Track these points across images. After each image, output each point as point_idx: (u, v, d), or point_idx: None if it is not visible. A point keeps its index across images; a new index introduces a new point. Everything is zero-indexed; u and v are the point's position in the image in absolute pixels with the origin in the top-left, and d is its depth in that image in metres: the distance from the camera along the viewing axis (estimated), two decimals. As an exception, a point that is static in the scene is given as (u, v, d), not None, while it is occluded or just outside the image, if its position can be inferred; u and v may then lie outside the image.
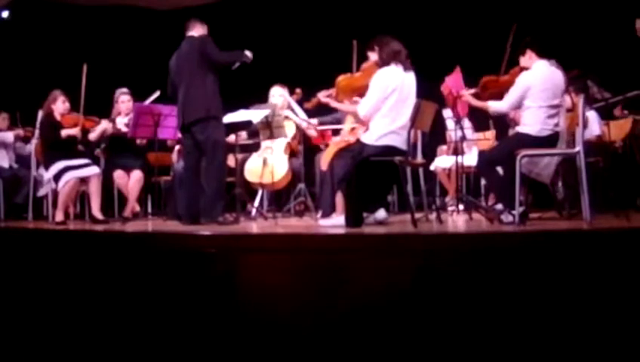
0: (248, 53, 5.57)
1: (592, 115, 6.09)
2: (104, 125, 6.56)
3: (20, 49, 8.69)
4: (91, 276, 4.52)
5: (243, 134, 6.94)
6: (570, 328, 3.26)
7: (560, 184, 5.49)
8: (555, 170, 4.94)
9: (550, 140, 4.65)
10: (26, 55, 8.72)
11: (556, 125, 4.67)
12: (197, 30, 5.67)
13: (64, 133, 6.26)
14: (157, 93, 6.60)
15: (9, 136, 7.56)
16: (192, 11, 8.53)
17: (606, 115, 6.25)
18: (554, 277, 3.34)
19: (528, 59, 4.86)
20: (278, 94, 6.90)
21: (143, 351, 4.12)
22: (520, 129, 4.78)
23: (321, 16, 8.66)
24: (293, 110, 6.77)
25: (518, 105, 4.83)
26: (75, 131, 6.28)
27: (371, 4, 8.35)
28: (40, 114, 6.57)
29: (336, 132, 6.80)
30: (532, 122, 4.68)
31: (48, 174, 6.27)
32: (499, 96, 4.96)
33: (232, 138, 6.50)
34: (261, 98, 6.86)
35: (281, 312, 3.79)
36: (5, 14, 8.43)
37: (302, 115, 6.70)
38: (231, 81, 5.71)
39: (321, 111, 6.31)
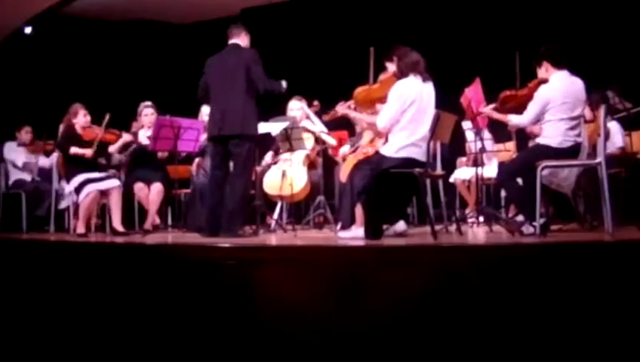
0: (284, 84, 5.56)
1: (614, 126, 6.00)
2: (125, 138, 6.60)
3: (43, 63, 8.80)
4: (112, 287, 4.54)
5: (269, 155, 6.99)
6: (592, 340, 3.22)
7: (581, 195, 5.44)
8: (576, 181, 4.90)
9: (571, 151, 4.61)
10: (48, 69, 8.82)
11: (577, 136, 4.64)
12: (242, 38, 5.62)
13: (72, 151, 6.29)
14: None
15: (19, 160, 7.63)
16: (211, 25, 8.64)
17: (629, 125, 6.16)
18: (576, 289, 3.31)
19: (545, 71, 4.82)
20: (297, 108, 6.92)
21: (162, 360, 4.12)
22: (541, 140, 4.74)
23: (338, 29, 8.69)
24: (311, 122, 6.79)
25: (538, 119, 4.79)
26: (84, 151, 6.30)
27: (389, 15, 8.35)
28: (61, 127, 6.64)
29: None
30: (553, 134, 4.65)
31: (69, 187, 6.32)
32: (519, 110, 4.93)
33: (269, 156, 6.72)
34: (279, 111, 6.87)
35: (299, 324, 3.78)
36: (28, 30, 8.53)
37: (321, 126, 6.71)
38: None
39: (339, 123, 6.32)
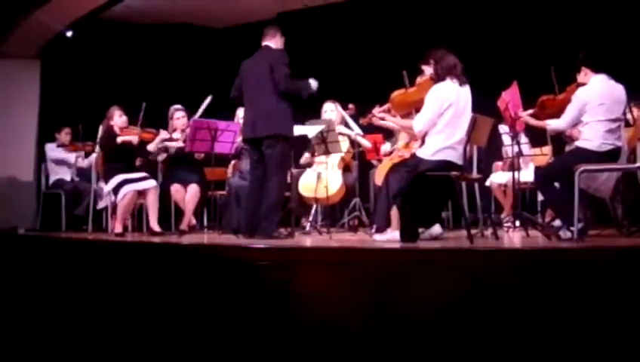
0: (313, 83, 5.54)
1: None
2: (162, 136, 6.69)
3: (83, 66, 8.95)
4: (148, 287, 4.60)
5: (307, 155, 7.01)
6: (631, 345, 3.17)
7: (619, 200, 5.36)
8: (615, 185, 4.83)
9: (610, 155, 4.55)
10: (87, 72, 8.96)
11: (617, 140, 4.57)
12: (275, 41, 5.62)
13: (120, 139, 6.41)
14: (209, 99, 6.67)
15: (70, 157, 7.78)
16: (247, 29, 8.69)
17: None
18: (614, 294, 3.26)
19: (584, 75, 4.78)
20: (330, 109, 6.94)
21: (198, 360, 4.16)
22: (579, 144, 4.69)
23: (374, 32, 8.67)
24: (347, 125, 6.79)
25: (577, 122, 4.74)
26: (131, 138, 6.43)
27: (425, 18, 8.32)
28: (100, 129, 6.77)
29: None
30: (592, 137, 4.59)
31: (108, 187, 6.43)
32: (557, 115, 4.89)
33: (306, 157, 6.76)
34: (313, 114, 6.89)
35: (334, 326, 3.79)
36: (69, 34, 8.68)
37: (357, 129, 6.71)
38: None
39: (374, 126, 6.32)
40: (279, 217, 5.50)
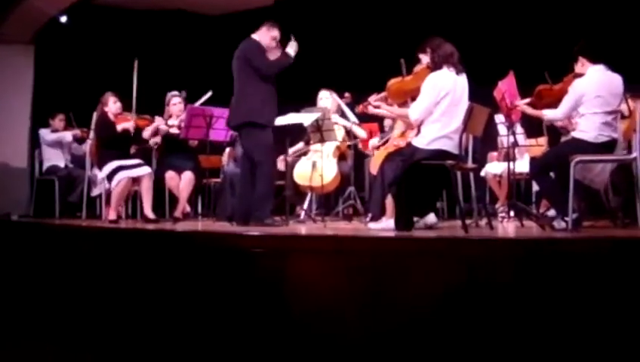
0: (291, 49, 5.54)
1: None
2: (157, 122, 6.66)
3: (77, 52, 8.89)
4: (142, 274, 4.59)
5: (301, 144, 7.01)
6: (622, 335, 3.18)
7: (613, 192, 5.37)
8: (610, 177, 4.83)
9: (606, 146, 4.55)
10: (81, 58, 8.91)
11: (613, 131, 4.57)
12: (260, 33, 5.62)
13: (119, 127, 6.39)
14: (209, 94, 6.67)
15: (67, 136, 7.74)
16: (242, 16, 8.66)
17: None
18: (608, 284, 3.27)
19: (581, 66, 4.77)
20: (326, 96, 6.93)
21: (191, 347, 4.16)
22: (575, 134, 4.69)
23: (370, 20, 8.65)
24: (343, 113, 6.78)
25: (573, 113, 4.74)
26: (129, 125, 6.40)
27: (422, 7, 8.29)
28: (94, 116, 6.73)
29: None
30: (588, 128, 4.59)
31: (102, 174, 6.40)
32: (554, 105, 4.88)
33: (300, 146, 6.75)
34: (308, 102, 6.87)
35: (328, 314, 3.79)
36: (64, 19, 8.63)
37: (352, 118, 6.70)
38: (277, 85, 5.74)
39: (370, 116, 6.30)
40: (272, 205, 5.50)
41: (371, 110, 5.55)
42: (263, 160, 5.43)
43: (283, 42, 5.62)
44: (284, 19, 5.78)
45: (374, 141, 6.77)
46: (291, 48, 5.56)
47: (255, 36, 5.62)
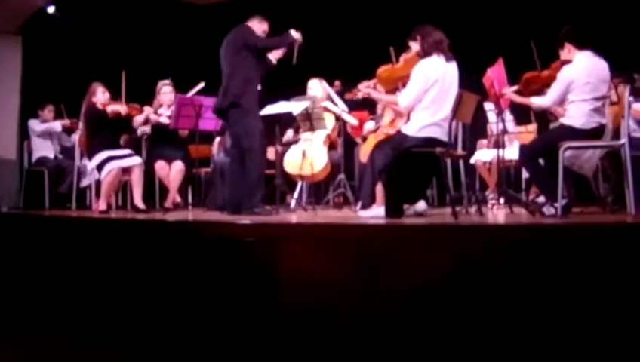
0: (294, 33, 5.56)
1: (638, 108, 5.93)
2: (147, 112, 6.64)
3: (64, 42, 8.83)
4: (133, 264, 4.58)
5: (290, 132, 7.00)
6: (612, 322, 3.20)
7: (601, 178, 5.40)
8: (599, 163, 4.85)
9: (595, 133, 4.56)
10: (69, 48, 8.85)
11: (602, 117, 4.58)
12: (252, 23, 5.63)
13: (109, 108, 6.36)
14: (201, 85, 6.65)
15: (57, 125, 7.70)
16: (231, 5, 8.61)
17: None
18: (597, 270, 3.29)
19: (567, 52, 4.75)
20: (316, 86, 6.92)
21: (183, 338, 4.16)
22: (564, 121, 4.69)
23: (360, 8, 8.62)
24: (333, 101, 6.78)
25: (562, 100, 4.74)
26: (121, 108, 6.37)
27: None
28: (83, 106, 6.69)
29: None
30: (577, 115, 4.59)
31: (92, 164, 6.37)
32: (542, 92, 4.89)
33: (290, 135, 6.77)
34: (298, 91, 6.86)
35: (319, 302, 3.79)
36: (51, 9, 8.56)
37: (342, 106, 6.70)
38: (268, 74, 5.73)
39: (360, 103, 6.30)
40: (262, 193, 5.48)
41: (363, 92, 5.53)
42: (251, 147, 5.40)
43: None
44: (273, 8, 5.76)
45: (370, 125, 6.77)
46: (294, 32, 5.59)
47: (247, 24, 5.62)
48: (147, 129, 6.82)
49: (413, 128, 4.74)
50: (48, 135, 7.75)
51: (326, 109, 6.67)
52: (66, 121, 7.69)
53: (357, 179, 6.84)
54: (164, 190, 6.73)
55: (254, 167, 5.42)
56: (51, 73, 8.57)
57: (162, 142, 6.72)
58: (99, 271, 4.77)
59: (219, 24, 5.89)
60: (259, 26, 5.62)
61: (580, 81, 4.57)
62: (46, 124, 7.71)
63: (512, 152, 6.21)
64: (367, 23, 8.39)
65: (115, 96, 6.54)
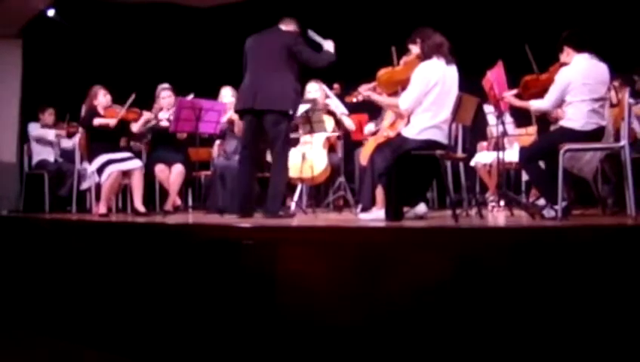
0: (331, 48, 5.52)
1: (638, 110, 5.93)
2: (147, 116, 6.64)
3: (64, 45, 8.84)
4: (133, 267, 4.58)
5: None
6: (613, 323, 3.20)
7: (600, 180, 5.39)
8: (600, 165, 4.85)
9: (594, 135, 4.56)
10: (69, 51, 8.86)
11: (601, 119, 4.58)
12: (287, 25, 5.56)
13: (96, 121, 6.33)
14: (191, 95, 6.62)
15: (50, 134, 7.71)
16: (231, 9, 8.61)
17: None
18: (598, 273, 3.28)
19: (566, 55, 4.77)
20: (314, 90, 6.91)
21: (183, 340, 4.16)
22: (563, 123, 4.69)
23: (360, 11, 8.62)
24: (332, 104, 6.78)
25: (560, 102, 4.75)
26: (108, 121, 6.34)
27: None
28: (83, 109, 6.70)
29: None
30: (576, 117, 4.59)
31: (92, 167, 6.36)
32: (541, 95, 4.89)
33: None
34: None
35: (319, 305, 3.79)
36: (51, 13, 8.57)
37: (342, 109, 6.69)
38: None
39: (359, 106, 6.29)
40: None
41: (363, 94, 5.52)
42: (282, 152, 5.39)
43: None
44: (274, 8, 5.75)
45: (370, 126, 6.77)
46: (328, 43, 5.56)
47: (284, 27, 5.56)
48: (145, 138, 6.84)
49: (413, 131, 4.74)
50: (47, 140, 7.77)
51: (327, 112, 6.67)
52: (61, 132, 7.69)
53: (357, 182, 6.83)
54: (164, 193, 6.73)
55: (283, 172, 5.44)
56: (51, 76, 8.58)
57: (162, 145, 6.73)
58: (99, 274, 4.77)
59: (219, 26, 5.88)
60: (293, 27, 5.59)
61: (577, 82, 4.58)
62: (40, 131, 7.72)
63: (512, 155, 6.21)
64: (367, 26, 8.40)
65: (115, 100, 6.53)
